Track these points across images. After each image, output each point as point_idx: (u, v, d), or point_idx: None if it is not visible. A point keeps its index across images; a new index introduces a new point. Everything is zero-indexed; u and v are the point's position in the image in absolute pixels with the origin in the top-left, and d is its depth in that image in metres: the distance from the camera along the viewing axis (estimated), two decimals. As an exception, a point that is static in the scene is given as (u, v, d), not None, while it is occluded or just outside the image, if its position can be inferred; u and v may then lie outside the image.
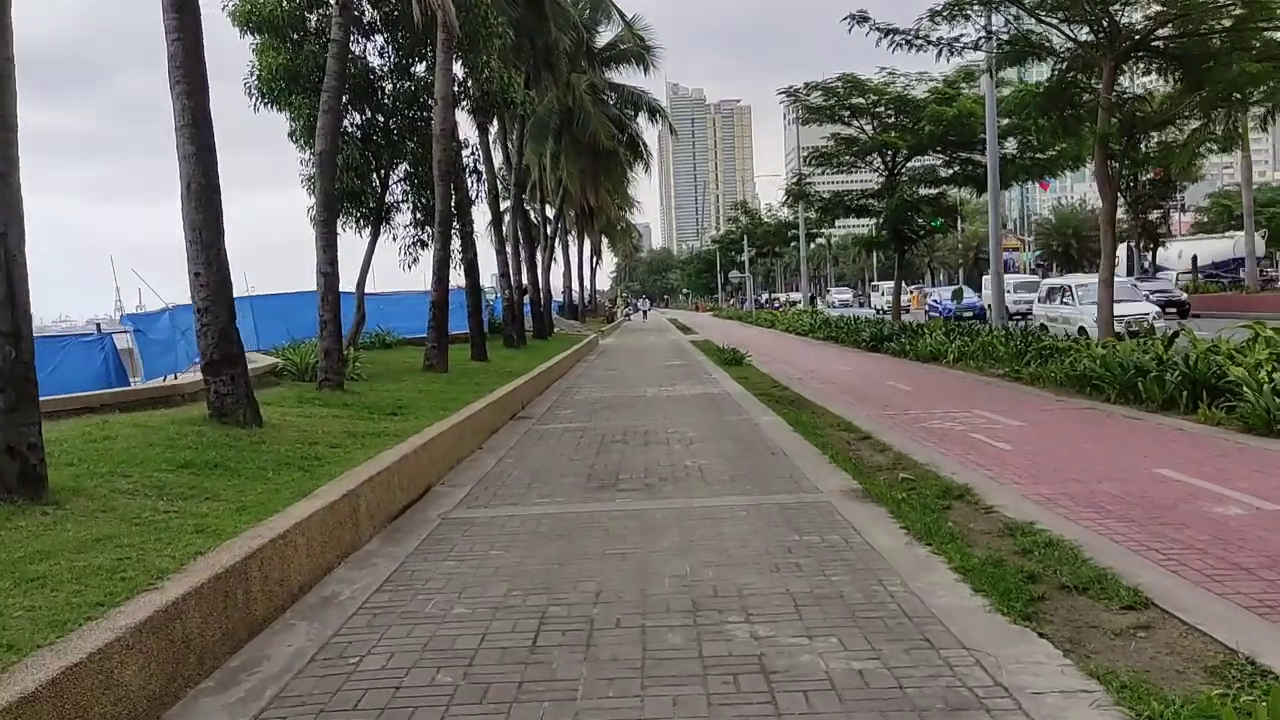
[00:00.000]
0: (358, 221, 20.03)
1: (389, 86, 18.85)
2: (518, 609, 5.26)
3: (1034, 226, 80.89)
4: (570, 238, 60.15)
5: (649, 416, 14.10)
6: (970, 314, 39.85)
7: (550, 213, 48.56)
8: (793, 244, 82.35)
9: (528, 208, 46.27)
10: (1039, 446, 10.12)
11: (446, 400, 13.12)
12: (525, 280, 34.47)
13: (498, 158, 34.15)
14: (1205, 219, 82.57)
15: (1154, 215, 55.83)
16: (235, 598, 4.80)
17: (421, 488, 8.69)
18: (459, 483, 9.30)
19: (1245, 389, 10.79)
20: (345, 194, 18.90)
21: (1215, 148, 22.78)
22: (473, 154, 20.79)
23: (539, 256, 41.12)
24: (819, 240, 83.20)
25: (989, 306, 37.77)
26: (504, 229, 30.97)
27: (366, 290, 26.16)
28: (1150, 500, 7.37)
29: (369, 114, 18.80)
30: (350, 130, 18.67)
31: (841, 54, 48.25)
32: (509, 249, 30.44)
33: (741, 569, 5.87)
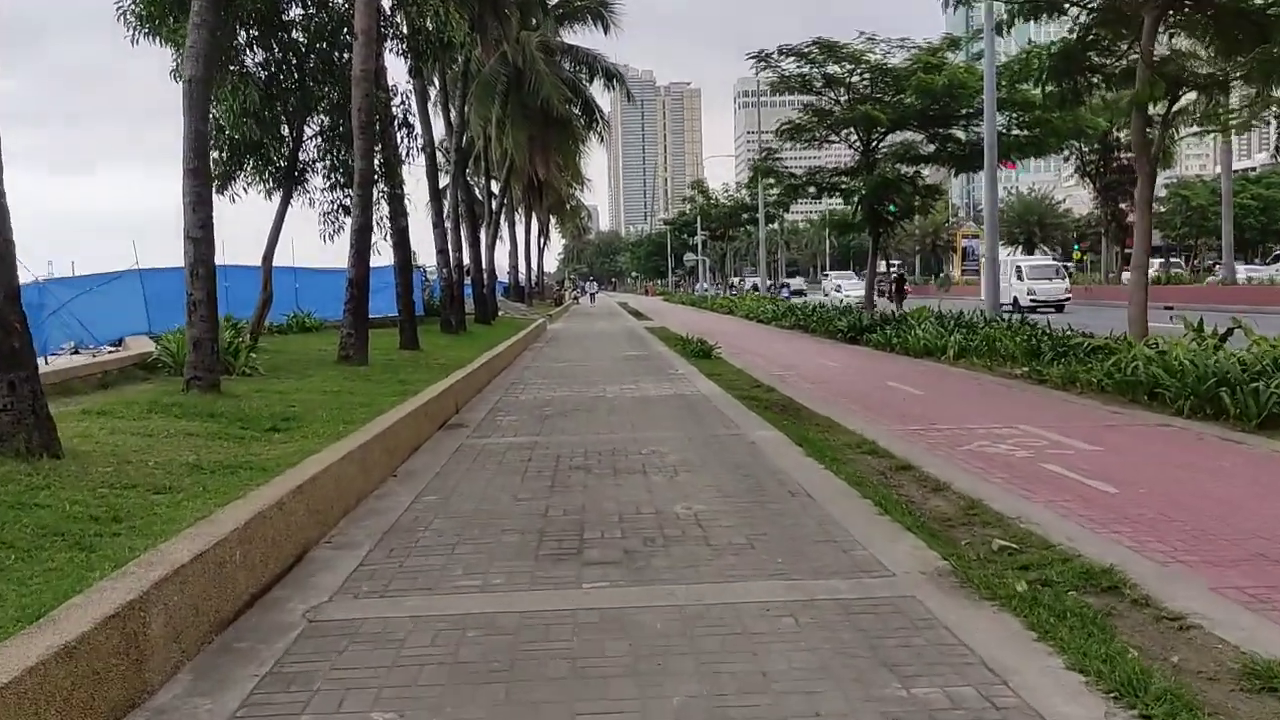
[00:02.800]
0: (265, 182, 16.89)
1: (299, 13, 15.71)
2: None
3: (1006, 213, 79.26)
4: (517, 215, 56.95)
5: (614, 427, 11.29)
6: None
7: (495, 188, 45.36)
8: (745, 227, 80.00)
9: (471, 182, 43.10)
10: (1153, 487, 7.49)
11: (356, 406, 10.19)
12: (467, 259, 31.40)
13: (438, 127, 31.00)
14: (1162, 209, 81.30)
15: (1124, 204, 54.25)
16: None
17: (292, 554, 5.80)
18: (352, 540, 6.41)
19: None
20: (246, 146, 15.80)
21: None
22: (403, 104, 17.76)
23: (483, 234, 38.01)
24: (773, 224, 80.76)
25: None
26: (444, 201, 27.85)
27: (282, 263, 23.03)
28: None
29: (276, 51, 15.66)
30: (252, 71, 15.53)
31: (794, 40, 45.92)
32: (448, 223, 27.34)
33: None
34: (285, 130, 16.87)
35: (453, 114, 29.52)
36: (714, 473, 8.38)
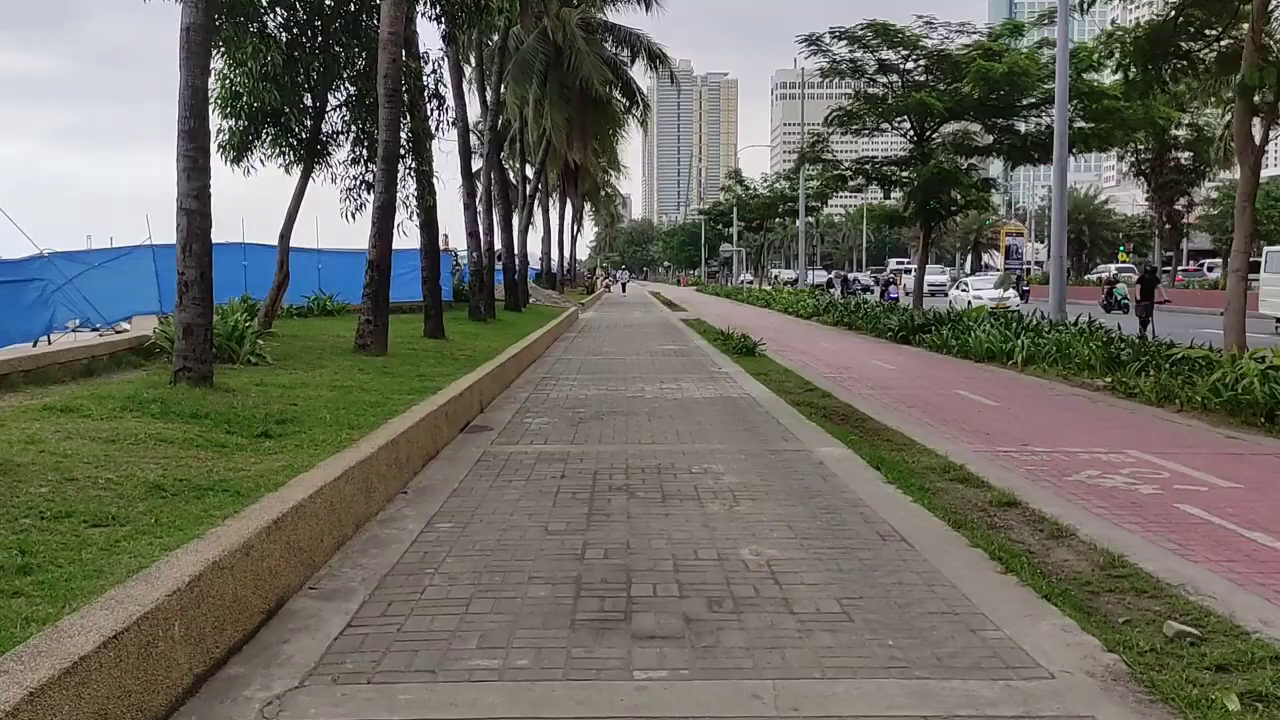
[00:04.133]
0: (285, 154, 15.68)
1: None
2: None
3: (1042, 212, 77.10)
4: (551, 200, 55.68)
5: (657, 436, 9.96)
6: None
7: (529, 172, 44.06)
8: (781, 219, 78.25)
9: (505, 165, 41.90)
10: (1330, 545, 6.08)
11: (366, 405, 8.93)
12: (498, 243, 30.15)
13: (473, 106, 29.70)
14: (1214, 212, 78.49)
15: (1179, 204, 52.12)
16: None
17: (260, 609, 4.53)
18: (343, 585, 5.14)
19: None
20: (265, 114, 14.58)
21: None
22: (434, 73, 16.47)
23: (515, 218, 36.77)
24: (809, 217, 78.76)
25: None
26: (476, 183, 26.58)
27: (305, 244, 21.90)
28: None
29: (299, 10, 14.42)
30: (273, 32, 14.31)
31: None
32: (480, 206, 26.08)
33: None
34: (308, 100, 15.67)
35: (488, 93, 28.23)
36: (781, 502, 7.04)
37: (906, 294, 47.04)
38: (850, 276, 63.73)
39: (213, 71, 14.76)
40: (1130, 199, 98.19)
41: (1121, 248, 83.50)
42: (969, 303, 33.19)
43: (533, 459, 8.68)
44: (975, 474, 8.09)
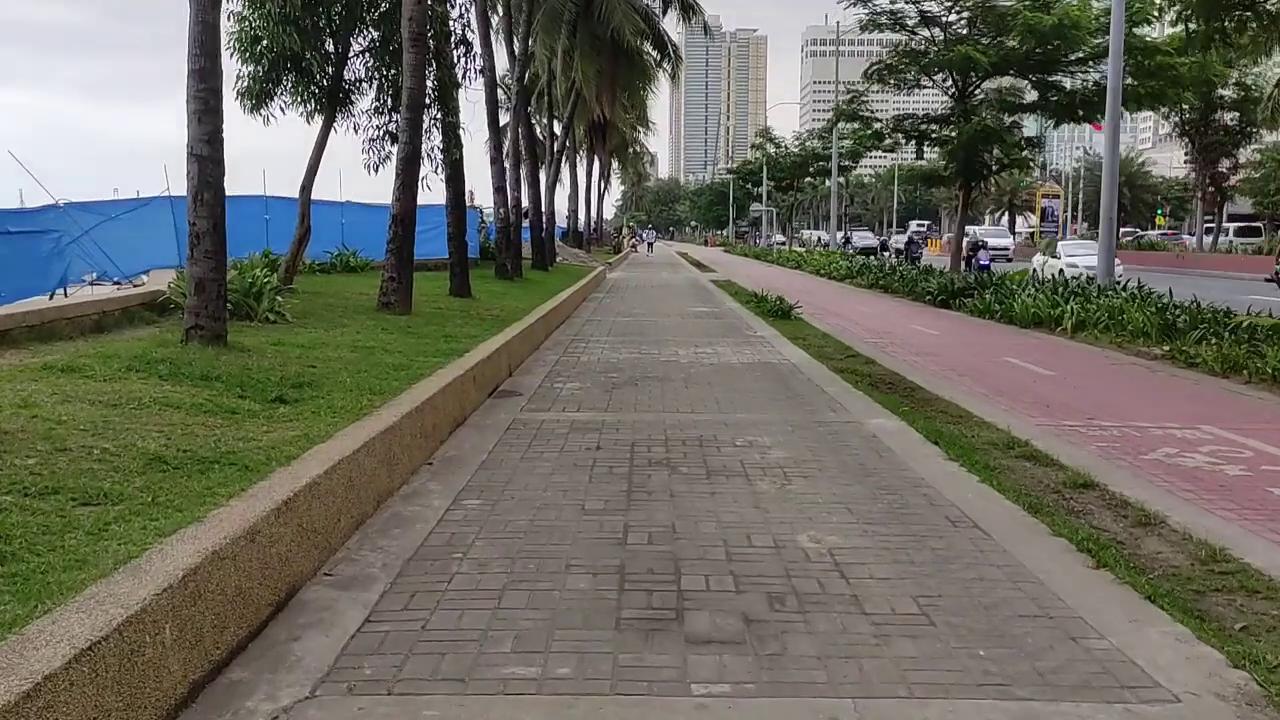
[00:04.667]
0: (306, 103, 15.11)
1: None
2: None
3: (1075, 174, 75.37)
4: (579, 156, 54.82)
5: (695, 404, 9.41)
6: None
7: (557, 129, 43.22)
8: (811, 179, 76.84)
9: (533, 121, 41.10)
10: None
11: (390, 368, 8.42)
12: (526, 200, 29.51)
13: (501, 57, 28.94)
14: (1254, 175, 76.22)
15: (1224, 166, 50.61)
16: None
17: (269, 600, 4.04)
18: (362, 571, 4.65)
19: None
20: (285, 60, 14.01)
21: None
22: (462, 18, 15.79)
23: (542, 175, 36.05)
24: (840, 177, 77.01)
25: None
26: (503, 137, 25.91)
27: (329, 197, 21.41)
28: None
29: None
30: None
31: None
32: (508, 161, 25.42)
33: None
34: (330, 46, 15.07)
35: (515, 44, 27.44)
36: (836, 480, 6.48)
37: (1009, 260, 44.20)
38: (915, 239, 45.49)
39: (230, 14, 14.23)
40: (1167, 161, 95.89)
41: (1160, 210, 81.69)
42: (1060, 271, 26.43)
43: (565, 428, 8.16)
44: (1043, 451, 7.48)
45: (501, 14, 28.53)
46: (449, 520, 5.49)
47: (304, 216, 14.89)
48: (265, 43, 14.06)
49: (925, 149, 32.27)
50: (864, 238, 65.85)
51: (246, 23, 14.24)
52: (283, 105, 14.88)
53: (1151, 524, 5.71)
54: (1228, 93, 47.75)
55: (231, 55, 14.44)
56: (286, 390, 6.90)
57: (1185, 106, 49.67)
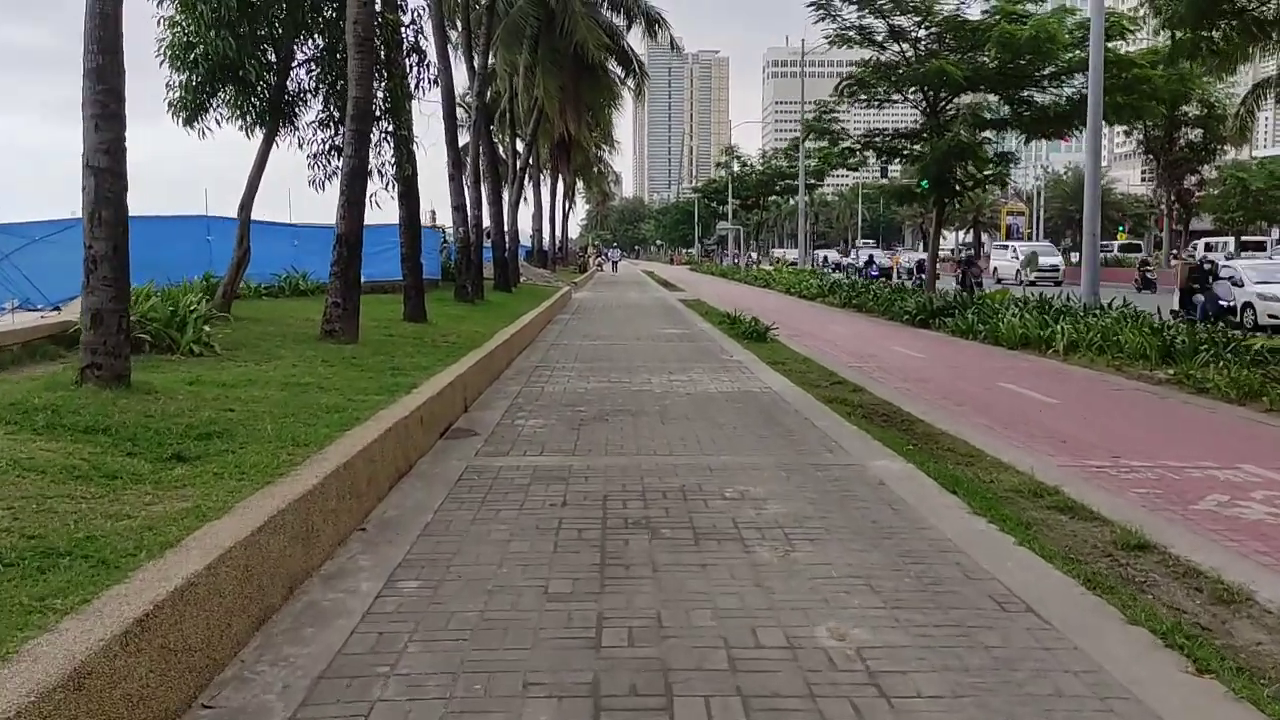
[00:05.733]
0: (245, 115, 13.95)
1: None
2: None
3: (1045, 189, 75.47)
4: (543, 175, 53.78)
5: (673, 443, 8.36)
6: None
7: (520, 147, 42.19)
8: (776, 198, 76.32)
9: (495, 139, 40.07)
10: None
11: (322, 410, 7.28)
12: (487, 219, 28.41)
13: (460, 73, 27.83)
14: (1213, 192, 76.71)
15: (1189, 182, 50.59)
16: None
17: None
18: (252, 702, 3.52)
19: None
20: (222, 68, 12.87)
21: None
22: (414, 23, 14.65)
23: (505, 193, 34.96)
24: (806, 195, 76.40)
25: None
26: (465, 155, 24.81)
27: (278, 219, 20.24)
28: None
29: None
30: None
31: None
32: (468, 179, 24.32)
33: None
34: (272, 55, 13.94)
35: (475, 58, 26.38)
36: (848, 544, 5.44)
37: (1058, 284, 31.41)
38: (966, 257, 35.04)
39: (161, 19, 13.10)
40: (1124, 179, 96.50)
41: (1121, 227, 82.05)
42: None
43: (526, 477, 7.06)
44: (1077, 500, 6.51)
45: (461, 29, 27.51)
46: (378, 613, 4.38)
47: (243, 237, 13.71)
48: (200, 49, 12.90)
49: (891, 165, 31.48)
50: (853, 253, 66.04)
51: (179, 28, 13.08)
52: (219, 118, 13.72)
53: (1235, 601, 4.73)
54: (1191, 109, 47.76)
55: (163, 62, 13.30)
56: (189, 444, 5.76)
57: (1148, 124, 49.72)
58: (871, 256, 52.67)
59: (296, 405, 7.38)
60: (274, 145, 14.13)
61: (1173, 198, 51.49)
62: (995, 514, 6.02)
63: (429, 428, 8.11)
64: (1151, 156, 52.35)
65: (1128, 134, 51.94)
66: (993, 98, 27.64)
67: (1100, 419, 10.02)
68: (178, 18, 12.96)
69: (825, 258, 58.61)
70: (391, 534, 5.62)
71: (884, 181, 37.45)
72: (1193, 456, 8.05)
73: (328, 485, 5.23)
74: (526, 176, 42.98)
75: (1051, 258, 45.33)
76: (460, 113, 38.25)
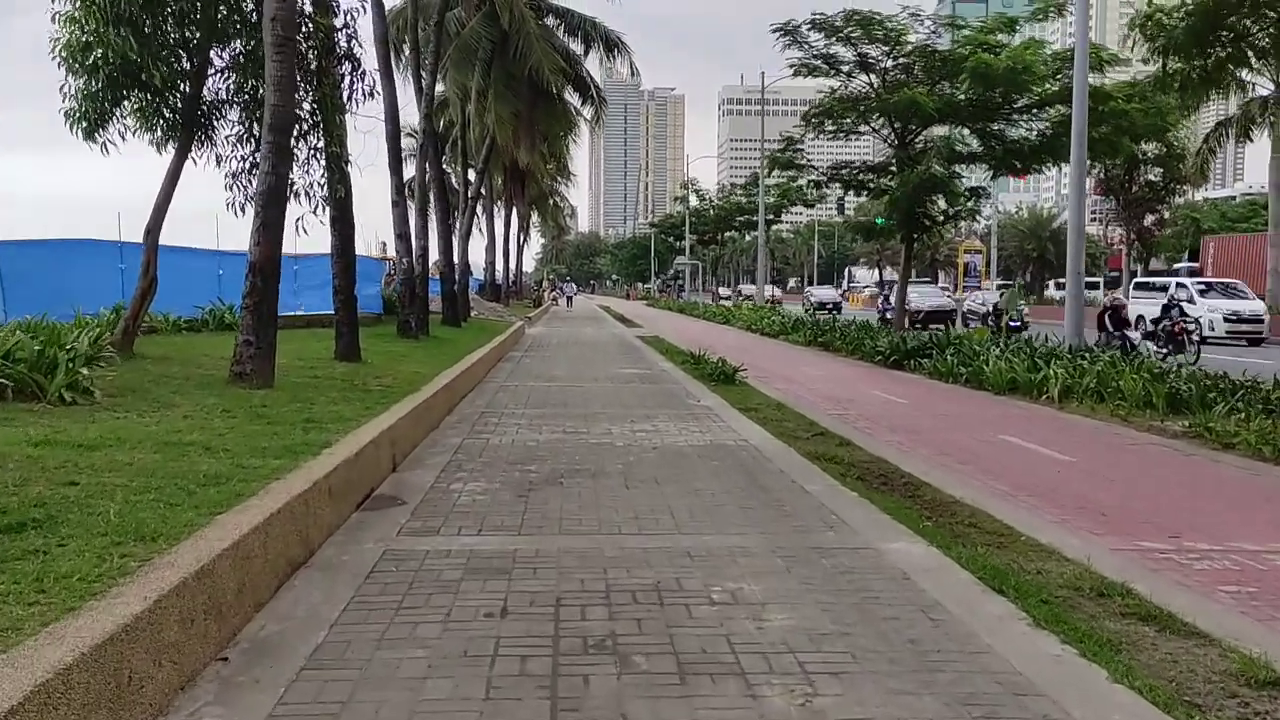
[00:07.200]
0: (154, 128, 12.39)
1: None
2: None
3: (1000, 229, 75.46)
4: (496, 206, 52.36)
5: (643, 518, 6.88)
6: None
7: (472, 176, 40.78)
8: (734, 233, 75.66)
9: (447, 169, 38.66)
10: None
11: (199, 482, 5.70)
12: (436, 250, 26.91)
13: (407, 94, 26.38)
14: (1167, 233, 77.15)
15: (1148, 221, 50.44)
16: None
17: None
18: None
19: None
20: (127, 73, 11.33)
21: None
22: (347, 27, 13.17)
23: (456, 223, 33.46)
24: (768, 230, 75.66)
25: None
26: (410, 181, 23.33)
27: (203, 245, 18.56)
28: None
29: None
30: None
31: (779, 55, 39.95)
32: (413, 205, 22.80)
33: None
34: (186, 63, 12.40)
35: (424, 78, 24.95)
36: (887, 684, 4.00)
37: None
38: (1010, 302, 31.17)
39: (56, 15, 11.54)
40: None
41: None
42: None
43: (458, 568, 5.55)
44: (1157, 605, 5.13)
45: (410, 48, 26.10)
46: (207, 833, 2.85)
47: (149, 265, 12.07)
48: (100, 52, 11.33)
49: (849, 201, 30.43)
50: (819, 291, 64.51)
51: (78, 25, 11.51)
52: (124, 130, 12.13)
53: None
54: (1150, 148, 47.67)
55: (58, 64, 11.72)
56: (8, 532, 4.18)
57: (1109, 163, 49.52)
58: (886, 295, 41.19)
59: (166, 474, 5.80)
60: (188, 162, 12.54)
61: (1133, 236, 51.25)
62: (1067, 630, 4.63)
63: (340, 498, 6.56)
64: (1110, 196, 52.17)
65: (1090, 171, 51.66)
66: (965, 130, 26.75)
67: (1131, 483, 8.73)
68: (76, 14, 11.40)
69: (810, 296, 55.62)
70: (263, 667, 4.08)
71: (839, 219, 36.30)
72: (1265, 537, 6.75)
73: (164, 608, 3.70)
74: (479, 206, 41.54)
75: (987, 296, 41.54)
76: (409, 141, 36.84)
